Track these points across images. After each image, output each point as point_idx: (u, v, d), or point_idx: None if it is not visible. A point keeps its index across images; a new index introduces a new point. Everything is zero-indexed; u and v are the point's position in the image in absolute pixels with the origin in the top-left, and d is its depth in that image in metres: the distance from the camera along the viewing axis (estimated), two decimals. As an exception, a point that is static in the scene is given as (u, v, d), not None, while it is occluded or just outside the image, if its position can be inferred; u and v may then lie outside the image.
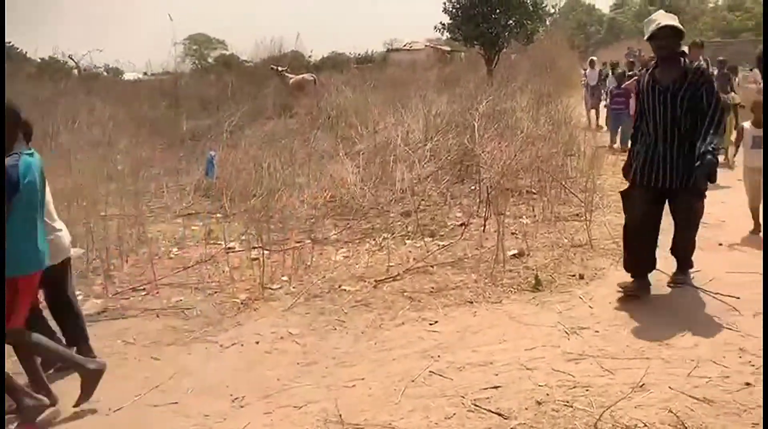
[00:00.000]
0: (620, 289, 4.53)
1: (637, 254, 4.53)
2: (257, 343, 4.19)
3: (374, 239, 6.19)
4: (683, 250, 4.63)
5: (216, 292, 5.08)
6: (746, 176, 6.06)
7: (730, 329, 3.91)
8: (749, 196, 5.94)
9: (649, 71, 4.48)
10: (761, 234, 5.72)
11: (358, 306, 4.64)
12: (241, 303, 4.80)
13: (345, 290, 4.93)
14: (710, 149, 4.04)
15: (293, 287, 5.06)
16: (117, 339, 4.34)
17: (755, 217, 5.86)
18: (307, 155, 9.55)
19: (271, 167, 8.51)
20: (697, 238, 4.64)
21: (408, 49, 39.81)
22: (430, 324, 4.31)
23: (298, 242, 6.12)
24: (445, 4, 20.45)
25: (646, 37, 4.36)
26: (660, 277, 4.68)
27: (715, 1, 54.55)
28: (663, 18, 4.33)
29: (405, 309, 4.53)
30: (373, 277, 5.13)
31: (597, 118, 15.02)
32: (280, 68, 17.97)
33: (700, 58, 8.76)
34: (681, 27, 4.33)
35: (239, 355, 4.07)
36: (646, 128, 4.45)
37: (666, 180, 4.33)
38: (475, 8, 19.50)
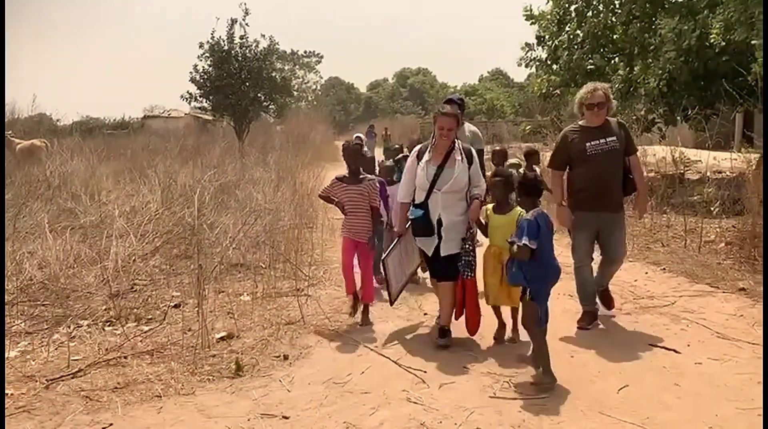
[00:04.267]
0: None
1: None
2: None
3: (68, 327, 5.41)
4: None
5: None
6: None
7: (416, 403, 3.96)
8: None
9: None
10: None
11: (17, 414, 3.88)
12: None
13: (7, 394, 4.13)
14: None
15: (-63, 397, 4.12)
16: None
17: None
18: (10, 230, 8.31)
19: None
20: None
21: (166, 117, 38.59)
22: (104, 428, 3.75)
23: (-32, 337, 5.13)
24: (191, 73, 20.03)
25: None
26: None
27: (454, 87, 62.05)
28: None
29: (77, 412, 3.89)
30: (49, 375, 4.40)
31: None
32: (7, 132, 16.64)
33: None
34: None
35: None
36: None
37: None
38: (223, 80, 19.35)
